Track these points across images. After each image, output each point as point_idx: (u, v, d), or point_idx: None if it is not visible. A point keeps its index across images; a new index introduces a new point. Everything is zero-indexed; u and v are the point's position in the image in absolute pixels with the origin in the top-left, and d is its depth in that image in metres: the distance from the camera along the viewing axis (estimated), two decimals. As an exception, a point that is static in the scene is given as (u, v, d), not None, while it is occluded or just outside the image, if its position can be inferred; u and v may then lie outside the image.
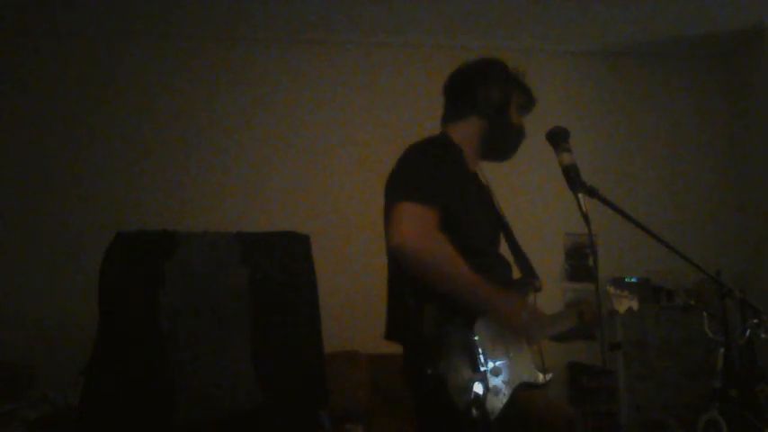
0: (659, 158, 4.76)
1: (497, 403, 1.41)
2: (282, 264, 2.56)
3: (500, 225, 1.76)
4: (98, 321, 2.32)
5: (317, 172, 4.37)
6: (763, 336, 2.57)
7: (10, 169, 4.16)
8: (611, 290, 1.82)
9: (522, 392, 1.50)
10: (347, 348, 3.80)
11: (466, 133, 1.68)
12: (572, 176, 1.50)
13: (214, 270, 2.42)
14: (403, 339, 1.53)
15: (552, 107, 4.23)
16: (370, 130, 4.37)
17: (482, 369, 1.41)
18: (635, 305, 1.81)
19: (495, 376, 1.43)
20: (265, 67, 4.49)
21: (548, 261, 4.39)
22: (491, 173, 1.82)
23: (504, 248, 1.73)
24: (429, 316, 1.40)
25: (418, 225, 1.39)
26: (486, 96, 1.68)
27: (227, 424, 2.31)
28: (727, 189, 4.76)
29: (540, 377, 1.57)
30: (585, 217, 1.45)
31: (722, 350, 3.25)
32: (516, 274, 1.70)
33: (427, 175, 1.49)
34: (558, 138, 1.54)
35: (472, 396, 1.37)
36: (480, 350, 1.43)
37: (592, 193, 1.52)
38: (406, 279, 1.47)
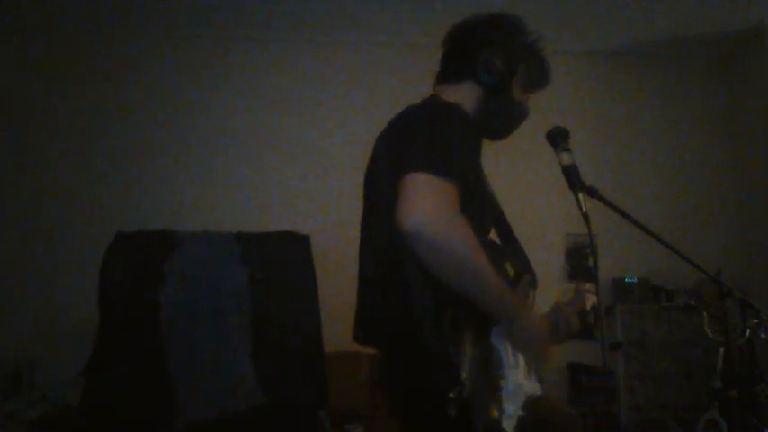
0: (659, 159, 4.75)
1: (511, 425, 1.27)
2: (282, 264, 2.56)
3: (495, 209, 1.58)
4: (98, 321, 2.32)
5: (317, 172, 4.36)
6: (763, 336, 2.57)
7: (10, 169, 4.16)
8: (578, 286, 1.76)
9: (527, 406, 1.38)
10: (347, 348, 3.78)
11: (459, 100, 1.45)
12: (572, 176, 1.48)
13: (214, 270, 2.42)
14: (397, 344, 1.30)
15: (552, 107, 4.22)
16: (370, 130, 4.36)
17: (501, 384, 1.27)
18: (594, 300, 1.77)
19: (508, 395, 1.29)
20: (265, 66, 4.49)
21: (548, 261, 4.38)
22: (490, 168, 1.76)
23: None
24: (447, 321, 1.17)
25: (442, 204, 1.13)
26: (488, 62, 1.44)
27: (227, 424, 2.31)
28: (727, 189, 4.76)
29: (539, 388, 1.48)
30: (585, 217, 1.43)
31: (722, 350, 3.25)
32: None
33: (449, 143, 1.25)
34: (557, 138, 1.52)
35: (492, 421, 1.20)
36: (499, 363, 1.28)
37: (592, 193, 1.50)
38: (417, 274, 1.20)
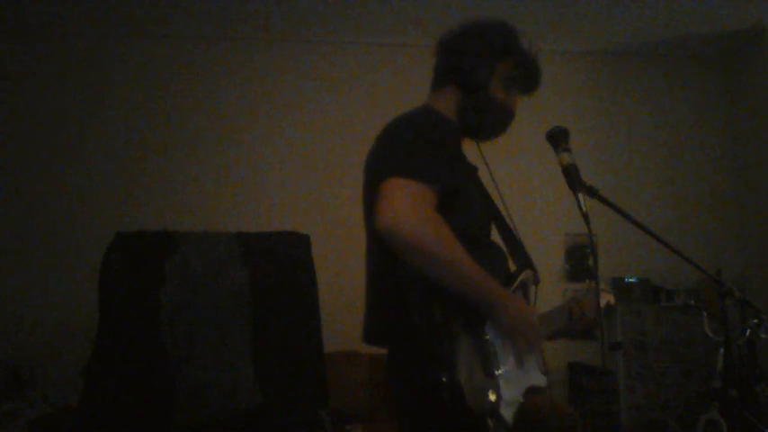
0: (659, 158, 4.76)
1: (510, 411, 1.30)
2: (282, 264, 2.56)
3: (491, 209, 1.61)
4: (98, 321, 2.32)
5: (317, 172, 4.36)
6: (763, 336, 2.57)
7: (10, 169, 4.16)
8: (589, 284, 1.77)
9: (528, 396, 1.42)
10: (347, 348, 3.80)
11: (443, 105, 1.51)
12: (572, 176, 1.48)
13: (214, 270, 2.42)
14: (396, 342, 1.36)
15: (552, 107, 4.23)
16: (370, 130, 4.36)
17: (496, 373, 1.29)
18: (611, 299, 1.78)
19: (506, 381, 1.31)
20: (265, 66, 4.49)
21: (548, 261, 4.39)
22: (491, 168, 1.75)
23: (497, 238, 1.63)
24: (437, 315, 1.23)
25: (415, 204, 1.21)
26: (463, 64, 1.48)
27: (226, 424, 2.31)
28: (727, 189, 4.76)
29: (543, 379, 1.50)
30: (585, 217, 1.42)
31: (722, 350, 3.25)
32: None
33: (424, 149, 1.32)
34: (557, 138, 1.52)
35: (488, 405, 1.23)
36: (494, 353, 1.31)
37: (592, 192, 1.51)
38: (405, 272, 1.28)
